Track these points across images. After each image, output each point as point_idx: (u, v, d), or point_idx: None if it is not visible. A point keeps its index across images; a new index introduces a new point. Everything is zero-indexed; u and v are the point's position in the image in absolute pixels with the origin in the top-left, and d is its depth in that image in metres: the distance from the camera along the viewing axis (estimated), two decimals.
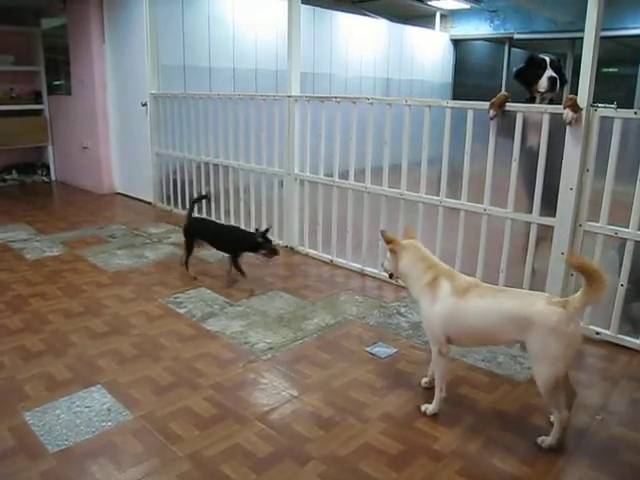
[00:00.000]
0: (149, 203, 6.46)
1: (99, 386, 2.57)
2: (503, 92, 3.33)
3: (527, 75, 3.43)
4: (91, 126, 6.98)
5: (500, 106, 3.28)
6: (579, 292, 2.09)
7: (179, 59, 6.33)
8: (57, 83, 7.69)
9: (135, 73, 6.34)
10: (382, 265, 2.67)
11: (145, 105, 6.21)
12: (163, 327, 3.22)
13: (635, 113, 2.92)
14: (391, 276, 2.63)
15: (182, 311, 3.44)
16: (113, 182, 7.14)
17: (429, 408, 2.42)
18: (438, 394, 2.42)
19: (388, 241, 2.50)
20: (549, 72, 3.31)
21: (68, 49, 7.13)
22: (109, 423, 2.30)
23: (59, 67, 7.52)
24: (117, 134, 6.97)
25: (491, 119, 3.33)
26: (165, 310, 3.46)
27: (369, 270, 4.14)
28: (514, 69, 3.58)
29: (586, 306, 2.11)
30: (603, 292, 2.05)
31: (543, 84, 3.33)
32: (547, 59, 3.35)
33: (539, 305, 2.11)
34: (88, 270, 4.15)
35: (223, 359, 2.86)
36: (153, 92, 6.08)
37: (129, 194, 6.93)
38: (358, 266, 4.20)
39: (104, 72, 6.78)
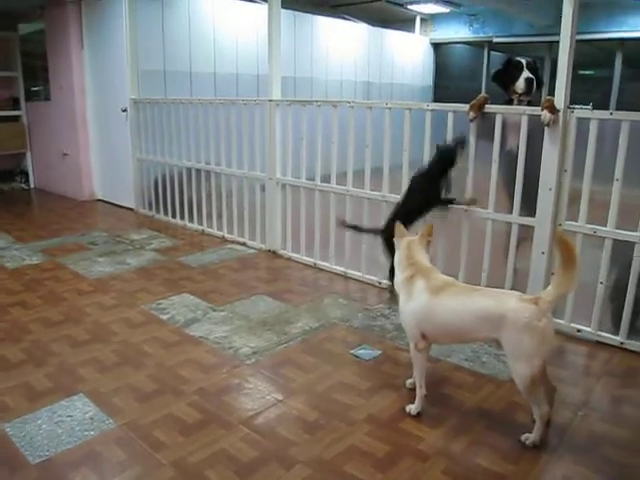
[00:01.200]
0: (131, 209, 6.41)
1: (81, 395, 2.54)
2: (483, 94, 3.36)
3: (505, 77, 3.47)
4: (71, 132, 6.92)
5: (480, 108, 3.31)
6: (549, 286, 2.14)
7: (159, 64, 6.30)
8: (35, 89, 7.62)
9: (115, 79, 6.30)
10: None
11: (125, 111, 6.17)
12: (146, 334, 3.19)
13: (611, 114, 2.97)
14: None
15: (165, 317, 3.42)
16: (94, 189, 7.08)
17: (412, 408, 2.44)
18: (419, 392, 2.44)
19: (395, 234, 2.57)
20: (526, 73, 3.34)
21: (46, 55, 7.07)
22: (92, 432, 2.27)
23: (37, 73, 7.46)
24: (97, 140, 6.92)
25: (471, 121, 3.36)
26: (148, 317, 3.43)
27: (352, 273, 4.14)
28: (493, 71, 3.62)
29: (558, 298, 2.14)
30: (573, 280, 2.11)
31: (520, 85, 3.37)
32: (524, 61, 3.38)
33: (511, 303, 2.15)
34: (69, 278, 4.10)
35: (207, 364, 2.85)
36: (133, 97, 6.05)
37: (110, 200, 6.88)
38: (341, 269, 4.20)
39: (83, 78, 6.73)
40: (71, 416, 2.37)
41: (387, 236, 3.18)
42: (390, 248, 2.97)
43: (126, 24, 5.91)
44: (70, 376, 2.71)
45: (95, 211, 6.57)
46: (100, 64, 6.56)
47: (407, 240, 2.52)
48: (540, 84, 3.43)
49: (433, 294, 2.32)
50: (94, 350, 2.99)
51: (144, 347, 3.03)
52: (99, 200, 7.03)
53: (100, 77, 6.62)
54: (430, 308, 2.32)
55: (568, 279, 2.10)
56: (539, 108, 3.08)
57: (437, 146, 3.38)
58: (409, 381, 2.63)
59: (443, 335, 2.41)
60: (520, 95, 3.40)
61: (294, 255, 4.58)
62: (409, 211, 3.36)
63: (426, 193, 3.37)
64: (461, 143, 3.32)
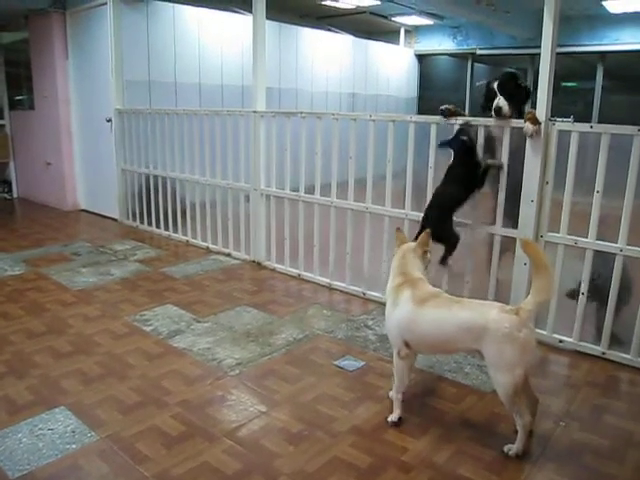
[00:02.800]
0: (115, 220, 6.38)
1: (63, 407, 2.51)
2: (453, 105, 3.45)
3: (486, 101, 3.39)
4: (55, 142, 6.89)
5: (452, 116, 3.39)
6: (529, 296, 2.17)
7: (144, 74, 6.30)
8: (19, 98, 7.58)
9: (99, 89, 6.28)
10: None
11: (110, 121, 6.16)
12: (129, 345, 3.17)
13: (591, 127, 3.02)
14: None
15: (148, 329, 3.40)
16: (77, 199, 7.04)
17: (392, 416, 2.47)
18: (395, 396, 2.48)
19: (396, 240, 2.63)
20: (496, 101, 3.23)
21: (30, 64, 7.04)
22: (73, 445, 2.25)
23: (21, 82, 7.42)
24: (81, 150, 6.89)
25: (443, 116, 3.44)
26: (131, 328, 3.41)
27: (337, 284, 4.15)
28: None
29: (538, 307, 2.17)
30: (550, 286, 2.15)
31: (493, 113, 3.29)
32: (495, 87, 3.26)
33: (492, 314, 2.17)
34: (52, 289, 4.07)
35: (190, 376, 2.83)
36: (118, 108, 6.04)
37: (94, 211, 6.84)
38: (326, 280, 4.21)
39: (67, 87, 6.71)
40: (52, 429, 2.35)
41: (431, 226, 2.96)
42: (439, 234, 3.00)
43: (111, 34, 5.91)
44: (52, 388, 2.68)
45: (79, 221, 6.53)
46: (85, 74, 6.55)
47: (404, 248, 2.55)
48: (521, 100, 3.31)
49: (417, 304, 2.35)
50: (77, 362, 2.96)
51: (127, 359, 3.01)
52: (83, 210, 6.99)
53: (85, 87, 6.60)
54: (413, 318, 2.35)
55: (544, 285, 2.14)
56: (522, 120, 3.12)
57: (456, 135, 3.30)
58: (391, 393, 2.64)
59: (425, 345, 2.44)
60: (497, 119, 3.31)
61: (278, 266, 4.58)
62: (452, 195, 3.22)
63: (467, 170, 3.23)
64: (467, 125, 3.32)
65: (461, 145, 3.22)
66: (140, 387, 2.72)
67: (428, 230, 2.62)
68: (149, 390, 2.69)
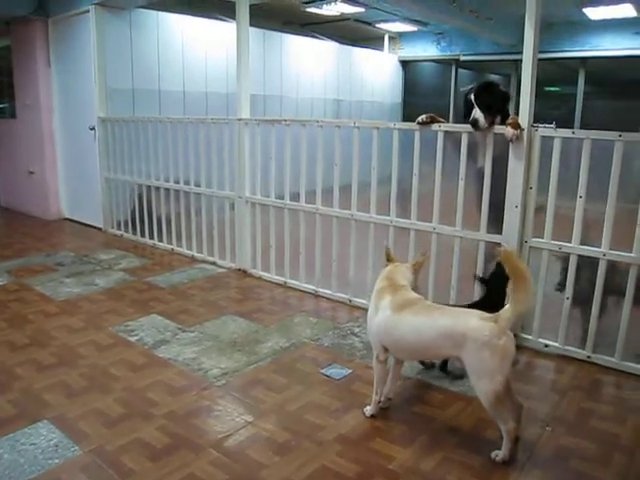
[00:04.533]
0: (99, 229, 6.32)
1: (46, 421, 2.47)
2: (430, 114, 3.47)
3: (465, 113, 3.34)
4: (37, 150, 6.83)
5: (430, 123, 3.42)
6: (508, 304, 2.18)
7: (128, 82, 6.26)
8: (0, 106, 7.50)
9: (83, 97, 6.24)
10: None
11: (93, 129, 6.11)
12: (114, 356, 3.14)
13: (573, 133, 3.05)
14: None
15: (133, 339, 3.37)
16: (61, 207, 6.98)
17: (367, 410, 2.53)
18: (374, 397, 2.52)
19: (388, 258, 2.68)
20: (473, 113, 3.21)
21: (12, 71, 6.98)
22: (56, 460, 2.21)
23: (2, 89, 7.36)
24: (65, 158, 6.83)
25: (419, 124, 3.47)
26: (116, 339, 3.37)
27: (323, 291, 4.14)
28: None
29: (517, 315, 2.18)
30: (529, 295, 2.16)
31: (470, 125, 3.26)
32: (472, 98, 3.23)
33: (472, 321, 2.19)
34: (35, 300, 4.02)
35: (176, 387, 2.81)
36: (101, 116, 6.00)
37: (78, 220, 6.77)
38: (312, 287, 4.20)
39: (50, 95, 6.66)
40: (35, 444, 2.31)
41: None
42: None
43: (93, 42, 5.88)
44: (35, 402, 2.64)
45: (62, 230, 6.46)
46: (67, 82, 6.50)
47: (395, 265, 2.60)
48: (499, 108, 3.25)
49: (395, 311, 2.37)
50: (60, 374, 2.92)
51: (112, 370, 2.98)
52: (66, 219, 6.92)
53: (67, 95, 6.55)
54: (391, 324, 2.38)
55: (523, 295, 2.15)
56: (504, 127, 3.14)
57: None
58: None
59: (403, 350, 2.47)
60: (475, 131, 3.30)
61: (264, 274, 4.56)
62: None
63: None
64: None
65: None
66: (125, 399, 2.69)
67: (427, 255, 2.66)
68: (134, 402, 2.66)
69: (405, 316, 2.35)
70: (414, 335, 2.34)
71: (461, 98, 3.59)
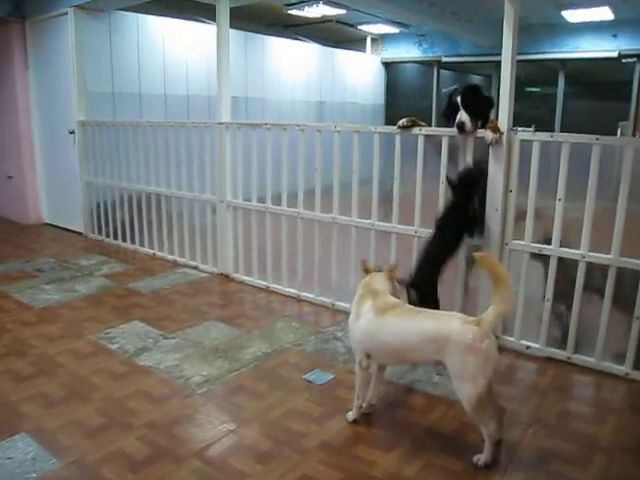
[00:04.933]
0: (79, 233, 6.24)
1: (23, 434, 2.43)
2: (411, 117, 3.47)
3: (448, 113, 3.36)
4: (15, 154, 6.73)
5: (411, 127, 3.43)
6: (490, 307, 2.19)
7: (108, 86, 6.20)
8: None
9: (62, 100, 6.17)
10: None
11: (73, 132, 6.05)
12: (94, 365, 3.10)
13: (551, 136, 3.07)
14: None
15: (114, 347, 3.33)
16: (41, 212, 6.88)
17: (350, 415, 2.53)
18: (355, 402, 2.51)
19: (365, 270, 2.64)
20: (459, 116, 3.19)
21: None
22: (33, 474, 2.17)
23: None
24: (44, 162, 6.75)
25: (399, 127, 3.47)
26: (96, 347, 3.33)
27: (305, 295, 4.13)
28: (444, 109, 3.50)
29: (499, 318, 2.20)
30: (509, 297, 2.18)
31: (456, 128, 3.24)
32: (458, 101, 3.21)
33: (454, 325, 2.20)
34: (13, 308, 3.96)
35: (157, 395, 2.78)
36: (81, 119, 5.93)
37: (58, 224, 6.69)
38: (294, 291, 4.19)
39: (28, 99, 6.57)
40: (11, 458, 2.27)
41: (419, 287, 3.02)
42: (424, 300, 2.91)
43: (72, 44, 5.81)
44: (12, 414, 2.60)
45: (42, 236, 6.37)
46: (46, 85, 6.42)
47: (374, 275, 2.59)
48: (483, 112, 3.27)
49: (378, 314, 2.37)
50: (39, 385, 2.88)
51: (92, 379, 2.94)
52: (47, 224, 6.83)
53: (46, 98, 6.48)
54: (374, 328, 2.38)
55: (504, 296, 2.16)
56: (484, 131, 3.15)
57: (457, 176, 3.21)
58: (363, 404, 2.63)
59: (386, 355, 2.46)
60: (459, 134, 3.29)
61: (246, 278, 4.54)
62: (437, 256, 3.11)
63: (455, 226, 3.17)
64: (478, 166, 3.21)
65: (465, 176, 3.18)
66: (105, 409, 2.66)
67: (395, 266, 2.66)
68: (114, 411, 2.63)
69: (388, 319, 2.35)
70: (397, 338, 2.34)
71: (443, 99, 3.60)
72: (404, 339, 2.33)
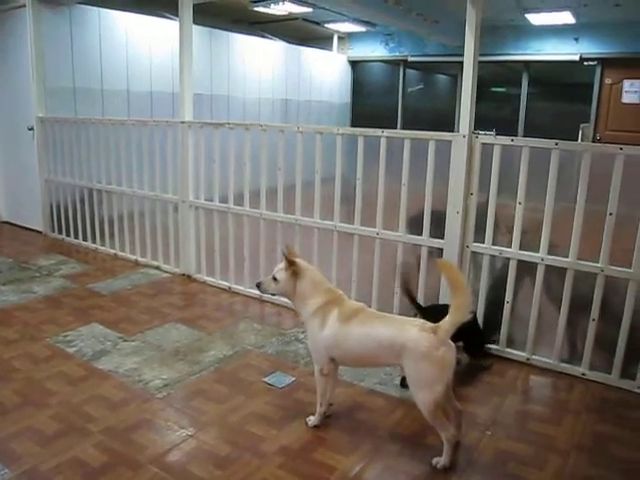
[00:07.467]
0: (39, 232, 6.09)
1: None
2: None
3: None
4: None
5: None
6: (447, 315, 2.20)
7: (68, 81, 6.06)
8: None
9: (20, 95, 6.00)
10: (261, 283, 2.59)
11: (32, 129, 5.89)
12: (50, 370, 3.02)
13: (512, 140, 3.11)
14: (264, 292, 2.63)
15: (72, 350, 3.26)
16: None
17: (311, 419, 2.53)
18: (318, 409, 2.51)
19: (291, 262, 2.48)
20: None
21: None
22: None
23: None
24: (2, 160, 6.56)
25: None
26: (53, 350, 3.26)
27: (268, 296, 4.09)
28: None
29: (455, 325, 2.20)
30: (467, 307, 2.18)
31: None
32: None
33: (411, 332, 2.21)
34: None
35: (115, 400, 2.73)
36: (40, 116, 5.79)
37: (17, 223, 6.51)
38: (256, 292, 4.12)
39: None
40: None
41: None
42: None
43: (30, 38, 5.66)
44: None
45: (0, 235, 6.20)
46: (3, 80, 6.24)
47: (311, 267, 2.56)
48: None
49: (343, 322, 2.37)
50: None
51: (48, 384, 2.87)
52: (5, 222, 6.63)
53: (4, 93, 6.29)
54: (339, 335, 2.38)
55: (461, 304, 2.18)
56: (447, 134, 3.18)
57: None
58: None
59: (351, 360, 2.50)
60: None
61: (209, 279, 4.49)
62: None
63: None
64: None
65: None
66: (61, 415, 2.60)
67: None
68: (70, 417, 2.57)
69: (352, 327, 2.36)
70: (360, 345, 2.36)
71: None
72: (365, 346, 2.34)
